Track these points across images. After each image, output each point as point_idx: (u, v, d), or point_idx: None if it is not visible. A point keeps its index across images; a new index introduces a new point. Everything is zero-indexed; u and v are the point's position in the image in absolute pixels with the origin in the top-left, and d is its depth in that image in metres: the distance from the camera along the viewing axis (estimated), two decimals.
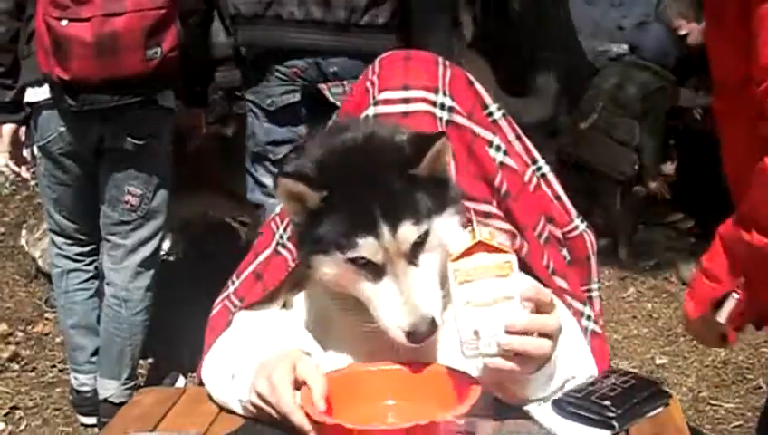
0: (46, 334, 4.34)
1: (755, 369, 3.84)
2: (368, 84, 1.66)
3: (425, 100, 1.60)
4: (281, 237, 1.66)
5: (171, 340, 3.94)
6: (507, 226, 1.61)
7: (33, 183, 5.12)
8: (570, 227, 1.74)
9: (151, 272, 3.51)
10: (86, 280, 3.58)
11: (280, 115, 3.32)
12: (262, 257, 1.69)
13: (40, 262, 4.63)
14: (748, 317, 1.81)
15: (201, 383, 1.63)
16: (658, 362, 3.93)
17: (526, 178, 1.70)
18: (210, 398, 1.57)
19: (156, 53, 3.07)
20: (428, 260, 1.40)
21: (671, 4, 5.00)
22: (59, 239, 3.55)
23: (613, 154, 4.84)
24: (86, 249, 3.57)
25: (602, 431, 1.34)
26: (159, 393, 1.72)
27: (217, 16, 3.46)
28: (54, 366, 4.11)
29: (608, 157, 4.83)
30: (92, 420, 3.64)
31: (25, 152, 3.55)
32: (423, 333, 1.35)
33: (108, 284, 3.50)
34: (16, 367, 4.12)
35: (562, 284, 1.66)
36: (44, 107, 3.27)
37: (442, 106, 1.61)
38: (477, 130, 1.65)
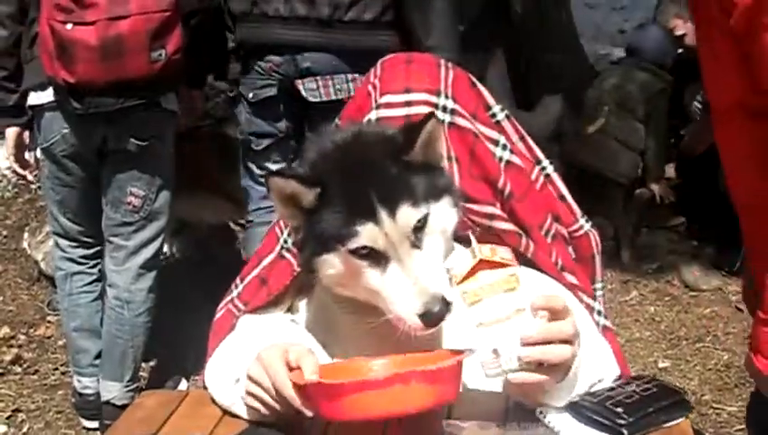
0: (48, 337, 4.34)
1: None
2: (370, 88, 1.66)
3: (427, 102, 1.60)
4: (285, 242, 1.66)
5: (174, 343, 3.95)
6: (512, 226, 1.61)
7: (35, 186, 5.14)
8: (575, 227, 1.75)
9: (153, 273, 3.51)
10: (90, 283, 3.58)
11: (259, 108, 3.42)
12: (266, 262, 1.69)
13: (42, 265, 4.63)
14: None
15: (204, 387, 1.62)
16: (661, 365, 3.92)
17: (533, 177, 1.70)
18: (213, 401, 1.57)
19: (160, 55, 3.08)
20: (431, 243, 1.39)
21: (668, 5, 5.01)
22: (63, 242, 3.56)
23: (617, 157, 4.83)
24: (90, 252, 3.58)
25: None
26: (163, 396, 1.72)
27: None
28: (57, 369, 4.11)
29: (612, 160, 4.83)
30: (95, 424, 3.64)
31: (29, 156, 3.57)
32: (437, 314, 1.33)
33: (110, 285, 3.50)
34: (19, 370, 4.12)
35: (572, 279, 1.67)
36: (47, 109, 3.27)
37: (444, 109, 1.61)
38: (482, 129, 1.65)
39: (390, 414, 1.27)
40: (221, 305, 1.75)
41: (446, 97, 1.62)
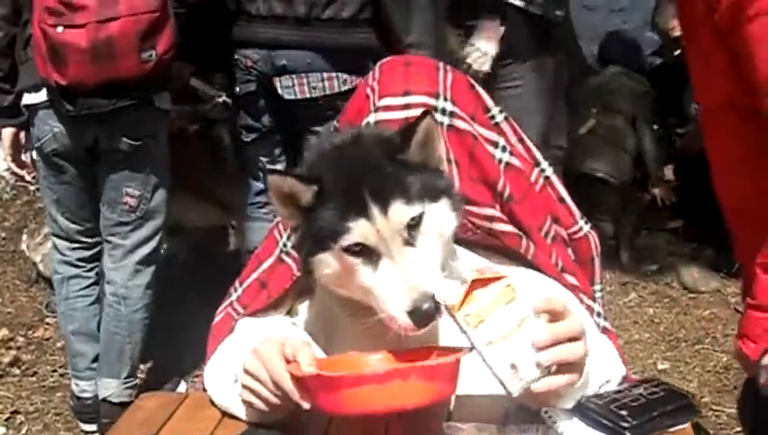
0: (47, 339, 4.34)
1: None
2: (368, 91, 1.66)
3: (425, 105, 1.60)
4: (284, 245, 1.66)
5: (172, 345, 3.95)
6: (512, 228, 1.61)
7: (33, 188, 5.14)
8: (575, 229, 1.75)
9: (151, 269, 3.53)
10: (86, 287, 3.59)
11: (243, 102, 3.57)
12: (265, 265, 1.69)
13: (41, 266, 4.63)
14: None
15: (204, 389, 1.62)
16: (660, 367, 3.92)
17: (532, 179, 1.70)
18: (212, 403, 1.57)
19: (151, 55, 3.10)
20: (426, 242, 1.38)
21: (666, 7, 5.02)
22: (61, 243, 3.56)
23: (609, 158, 4.84)
24: (87, 254, 3.58)
25: None
26: (162, 398, 1.71)
27: None
28: (55, 371, 4.10)
29: (602, 161, 4.83)
30: (93, 427, 3.64)
31: (25, 157, 3.57)
32: (426, 312, 1.31)
33: (108, 282, 3.51)
34: (17, 372, 4.12)
35: (573, 281, 1.67)
36: (41, 108, 3.29)
37: (443, 111, 1.61)
38: (481, 130, 1.65)
39: (388, 409, 1.27)
40: (220, 309, 1.75)
41: (445, 99, 1.62)
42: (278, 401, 1.39)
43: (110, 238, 3.48)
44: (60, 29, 3.01)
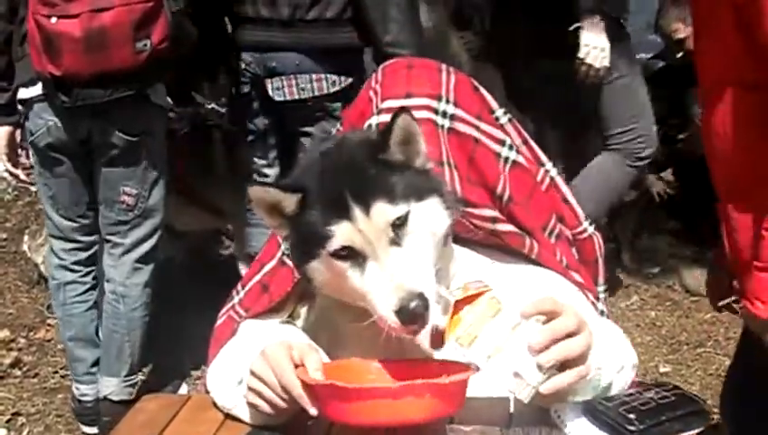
0: (48, 340, 4.34)
1: None
2: (371, 93, 1.66)
3: (427, 107, 1.60)
4: (286, 248, 1.66)
5: (173, 347, 3.95)
6: (513, 228, 1.61)
7: (35, 189, 5.12)
8: (579, 230, 1.75)
9: (149, 268, 3.52)
10: (83, 292, 3.58)
11: (241, 104, 3.61)
12: (267, 268, 1.69)
13: (42, 268, 4.63)
14: None
15: (206, 391, 1.62)
16: (662, 370, 3.92)
17: (538, 178, 1.70)
18: (215, 405, 1.57)
19: (145, 45, 3.09)
20: (414, 242, 1.36)
21: (670, 10, 5.02)
22: (58, 245, 3.55)
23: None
24: (84, 256, 3.57)
25: None
26: (164, 400, 1.71)
27: None
28: (56, 372, 4.10)
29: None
30: (94, 430, 3.64)
31: (24, 159, 3.56)
32: (413, 310, 1.29)
33: (107, 281, 3.51)
34: (18, 373, 4.12)
35: (578, 278, 1.67)
36: (36, 102, 3.29)
37: (444, 114, 1.61)
38: (488, 129, 1.64)
39: (397, 423, 1.28)
40: (222, 312, 1.75)
41: (448, 102, 1.62)
42: (284, 405, 1.39)
43: (108, 237, 3.48)
44: (54, 19, 3.02)
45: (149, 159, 3.39)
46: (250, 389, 1.43)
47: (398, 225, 1.36)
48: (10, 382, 4.05)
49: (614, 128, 4.00)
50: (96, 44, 3.04)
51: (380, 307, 1.33)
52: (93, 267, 3.59)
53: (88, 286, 3.59)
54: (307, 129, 3.42)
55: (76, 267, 3.57)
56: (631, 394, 1.41)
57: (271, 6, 3.31)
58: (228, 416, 1.53)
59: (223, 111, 4.08)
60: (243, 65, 3.47)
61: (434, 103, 1.61)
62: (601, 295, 1.79)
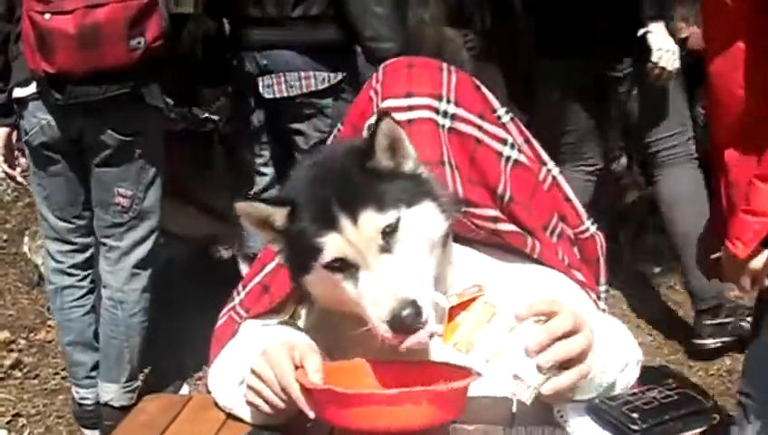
0: (49, 342, 4.33)
1: None
2: (371, 93, 1.66)
3: (428, 107, 1.60)
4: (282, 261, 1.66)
5: (173, 348, 3.94)
6: (515, 228, 1.61)
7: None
8: (581, 229, 1.75)
9: (147, 273, 3.50)
10: (80, 297, 3.57)
11: (239, 101, 3.68)
12: (268, 268, 1.69)
13: (42, 269, 4.61)
14: None
15: (207, 391, 1.62)
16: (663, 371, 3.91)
17: (541, 177, 1.70)
18: (216, 405, 1.57)
19: (139, 42, 3.08)
20: (406, 248, 1.35)
21: (674, 8, 5.00)
22: (54, 247, 3.53)
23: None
24: (80, 259, 3.55)
25: None
26: (165, 401, 1.71)
27: None
28: (57, 374, 4.09)
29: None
30: (95, 433, 3.63)
31: (22, 160, 3.56)
32: (405, 319, 1.28)
33: (104, 286, 3.49)
34: (19, 374, 4.11)
35: (580, 277, 1.66)
36: (30, 100, 3.28)
37: (445, 114, 1.61)
38: (490, 128, 1.64)
39: (396, 429, 1.27)
40: (223, 313, 1.75)
41: (449, 101, 1.62)
42: (283, 405, 1.38)
43: (104, 240, 3.46)
44: (47, 16, 3.01)
45: (144, 160, 3.37)
46: (250, 388, 1.43)
47: (389, 232, 1.34)
48: (10, 384, 4.05)
49: (665, 131, 3.95)
50: (90, 41, 3.02)
51: (373, 317, 1.32)
52: (91, 271, 3.58)
53: (85, 290, 3.57)
54: (298, 126, 3.46)
55: (73, 271, 3.55)
56: (634, 393, 1.41)
57: (258, 6, 3.35)
58: (230, 416, 1.53)
59: (216, 118, 4.10)
60: (238, 63, 3.53)
61: (435, 103, 1.61)
62: (603, 295, 1.79)
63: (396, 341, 1.31)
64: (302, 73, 3.35)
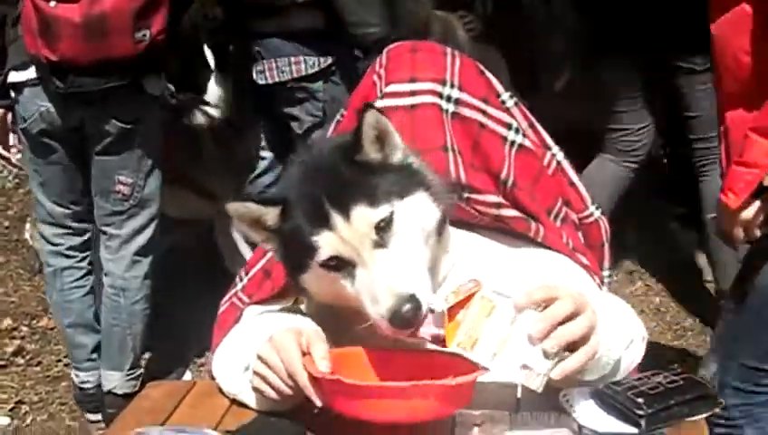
0: (51, 329, 4.33)
1: None
2: (375, 78, 1.65)
3: (432, 92, 1.59)
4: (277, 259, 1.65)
5: (176, 335, 3.94)
6: (518, 213, 1.60)
7: None
8: (585, 214, 1.74)
9: (148, 260, 3.50)
10: (80, 277, 3.57)
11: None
12: (270, 254, 1.68)
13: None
14: None
15: (211, 377, 1.62)
16: (667, 356, 3.91)
17: (545, 162, 1.69)
18: (220, 391, 1.56)
19: (144, 35, 3.07)
20: (401, 241, 1.35)
21: None
22: (49, 231, 3.52)
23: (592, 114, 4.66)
24: (78, 242, 3.55)
25: (628, 427, 1.31)
26: (169, 387, 1.71)
27: None
28: (60, 361, 4.10)
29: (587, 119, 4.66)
30: (98, 416, 3.63)
31: (13, 138, 3.53)
32: (406, 314, 1.28)
33: (106, 274, 3.49)
34: (21, 361, 4.12)
35: (584, 261, 1.66)
36: (28, 86, 3.26)
37: (449, 98, 1.60)
38: (494, 113, 1.63)
39: (403, 420, 1.28)
40: (225, 299, 1.74)
41: (452, 86, 1.61)
42: (290, 392, 1.38)
43: (104, 229, 3.46)
44: (53, 3, 2.98)
45: (144, 148, 3.36)
46: (256, 374, 1.42)
47: (383, 227, 1.34)
48: (13, 371, 4.05)
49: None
50: (95, 31, 3.00)
51: (373, 314, 1.32)
52: (88, 253, 3.57)
53: (84, 272, 3.57)
54: (291, 110, 3.50)
55: (71, 253, 3.54)
56: (639, 378, 1.40)
57: None
58: (234, 402, 1.53)
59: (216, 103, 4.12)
60: (233, 51, 3.63)
61: (439, 88, 1.60)
62: (606, 280, 1.79)
63: (397, 335, 1.31)
64: (293, 59, 3.38)
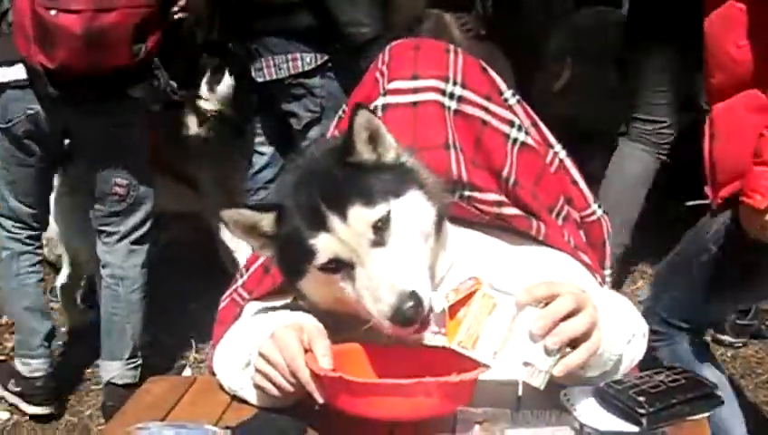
0: None
1: (765, 363, 3.83)
2: (377, 74, 1.65)
3: (435, 89, 1.59)
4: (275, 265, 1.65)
5: (175, 330, 3.95)
6: (519, 211, 1.60)
7: None
8: (588, 212, 1.75)
9: (144, 248, 3.55)
10: (35, 263, 3.60)
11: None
12: None
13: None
14: None
15: (212, 372, 1.61)
16: None
17: (548, 160, 1.69)
18: (221, 387, 1.56)
19: (140, 49, 3.14)
20: (399, 240, 1.35)
21: None
22: (8, 223, 3.54)
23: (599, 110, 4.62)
24: (35, 233, 3.60)
25: (629, 426, 1.31)
26: (170, 382, 1.72)
27: None
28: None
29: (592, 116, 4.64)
30: (46, 410, 3.62)
31: None
32: (408, 311, 1.28)
33: (104, 266, 3.54)
34: None
35: (586, 259, 1.66)
36: (12, 87, 3.27)
37: (451, 96, 1.60)
38: (497, 110, 1.63)
39: (405, 417, 1.29)
40: (226, 295, 1.74)
41: (455, 83, 1.61)
42: (292, 389, 1.38)
43: (102, 228, 3.52)
44: (54, 12, 3.00)
45: (134, 149, 3.43)
46: (258, 371, 1.42)
47: (380, 226, 1.34)
48: None
49: None
50: (95, 43, 3.04)
51: (375, 314, 1.32)
52: (41, 243, 3.65)
53: (39, 259, 3.63)
54: (289, 107, 3.54)
55: (28, 240, 3.57)
56: (641, 377, 1.40)
57: None
58: (234, 398, 1.53)
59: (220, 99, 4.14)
60: (234, 49, 3.69)
61: (441, 85, 1.60)
62: (608, 279, 1.79)
63: (401, 334, 1.32)
64: (290, 56, 3.43)
